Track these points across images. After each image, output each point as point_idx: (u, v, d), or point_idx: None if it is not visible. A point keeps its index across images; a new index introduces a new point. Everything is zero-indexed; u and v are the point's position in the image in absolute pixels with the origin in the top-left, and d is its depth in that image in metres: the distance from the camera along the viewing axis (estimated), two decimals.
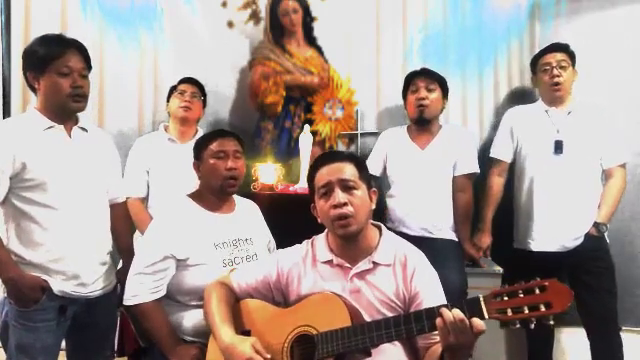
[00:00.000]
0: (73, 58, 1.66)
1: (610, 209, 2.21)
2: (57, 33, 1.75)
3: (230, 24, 2.84)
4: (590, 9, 2.62)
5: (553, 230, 2.22)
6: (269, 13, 2.82)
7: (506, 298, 1.10)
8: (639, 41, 2.54)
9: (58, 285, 1.63)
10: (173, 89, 2.51)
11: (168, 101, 2.52)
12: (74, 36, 1.78)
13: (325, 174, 1.42)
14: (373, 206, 1.46)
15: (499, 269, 2.35)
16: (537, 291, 1.07)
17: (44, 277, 1.61)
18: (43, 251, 1.62)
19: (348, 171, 1.41)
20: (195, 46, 2.80)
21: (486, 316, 1.11)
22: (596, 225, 2.19)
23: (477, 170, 2.40)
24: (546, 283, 1.07)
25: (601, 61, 2.52)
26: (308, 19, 2.82)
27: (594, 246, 2.18)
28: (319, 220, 1.46)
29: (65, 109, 1.68)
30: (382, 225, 1.50)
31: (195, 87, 2.50)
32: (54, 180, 1.62)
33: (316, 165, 1.47)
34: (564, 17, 2.63)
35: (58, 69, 1.63)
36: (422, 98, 2.31)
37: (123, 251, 1.92)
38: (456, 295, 1.97)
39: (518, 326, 1.08)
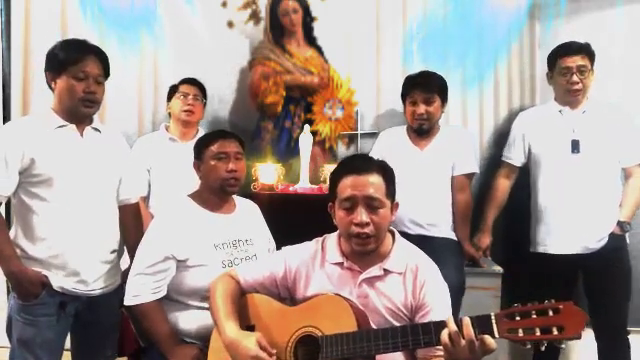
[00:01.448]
0: (91, 64, 1.70)
1: (633, 207, 2.17)
2: (81, 38, 1.80)
3: (230, 24, 2.83)
4: (590, 9, 2.61)
5: (576, 231, 2.16)
6: (269, 13, 2.81)
7: (518, 318, 1.07)
8: (639, 41, 2.54)
9: (58, 281, 1.65)
10: (174, 88, 2.50)
11: (169, 100, 2.52)
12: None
13: (350, 186, 1.35)
14: (393, 219, 1.41)
15: (499, 269, 2.35)
16: (550, 313, 1.05)
17: (44, 272, 1.64)
18: (44, 246, 1.65)
19: (375, 187, 1.34)
20: (195, 46, 2.80)
21: (497, 335, 1.09)
22: (620, 224, 2.15)
23: (476, 170, 2.40)
24: (560, 306, 1.04)
25: (601, 61, 2.52)
26: (308, 19, 2.82)
27: (616, 246, 2.14)
28: (335, 222, 1.42)
29: (76, 112, 1.71)
30: (395, 231, 1.48)
31: (197, 89, 2.49)
32: (61, 176, 1.65)
33: (343, 169, 1.40)
34: (564, 17, 2.62)
35: (74, 73, 1.68)
36: (420, 114, 2.27)
37: (132, 251, 1.90)
38: (453, 293, 1.97)
39: (529, 347, 1.06)
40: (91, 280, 1.71)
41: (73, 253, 1.68)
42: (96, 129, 1.79)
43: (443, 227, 2.33)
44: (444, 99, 2.34)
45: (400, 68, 2.70)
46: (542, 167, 2.27)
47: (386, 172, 1.41)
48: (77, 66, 1.68)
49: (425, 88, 2.28)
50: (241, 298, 1.51)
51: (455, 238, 2.35)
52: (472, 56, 2.72)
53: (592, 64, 2.22)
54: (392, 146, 2.42)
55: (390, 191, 1.39)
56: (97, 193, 1.75)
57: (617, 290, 2.14)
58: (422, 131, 2.33)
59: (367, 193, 1.33)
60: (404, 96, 2.38)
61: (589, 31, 2.55)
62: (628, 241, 2.20)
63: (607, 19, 2.57)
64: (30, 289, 1.62)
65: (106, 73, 1.78)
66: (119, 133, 1.98)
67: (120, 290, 1.80)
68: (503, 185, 2.43)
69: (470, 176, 2.40)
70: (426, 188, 2.30)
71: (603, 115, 2.21)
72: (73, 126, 1.72)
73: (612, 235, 2.14)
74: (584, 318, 1.03)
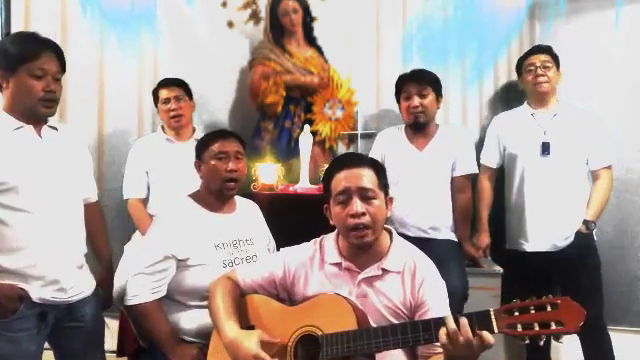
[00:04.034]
0: (49, 60, 1.55)
1: (598, 207, 2.27)
2: (31, 31, 1.62)
3: (230, 24, 2.84)
4: (589, 9, 2.62)
5: (544, 230, 2.26)
6: (269, 13, 2.81)
7: (517, 313, 1.08)
8: (638, 41, 2.54)
9: (37, 292, 1.53)
10: (156, 93, 2.48)
11: (156, 105, 2.50)
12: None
13: (343, 179, 1.37)
14: (389, 214, 1.42)
15: (499, 269, 2.35)
16: (549, 308, 1.06)
17: (22, 285, 1.50)
18: (20, 257, 1.51)
19: (368, 179, 1.36)
20: (195, 46, 2.80)
21: (496, 330, 1.10)
22: (585, 223, 2.24)
23: (476, 170, 2.40)
24: (558, 301, 1.05)
25: (600, 61, 2.53)
26: (308, 19, 2.82)
27: (583, 244, 2.24)
28: (331, 222, 1.43)
29: (34, 113, 1.56)
30: (393, 230, 1.48)
31: (177, 89, 2.45)
32: (27, 183, 1.52)
33: (334, 167, 1.42)
34: (563, 17, 2.64)
35: (31, 70, 1.52)
36: (415, 107, 2.28)
37: (98, 252, 1.83)
38: (457, 298, 1.97)
39: (527, 342, 1.07)
40: (69, 287, 1.59)
41: (50, 261, 1.54)
42: (53, 127, 1.64)
43: (443, 228, 2.32)
44: (438, 93, 2.34)
45: (400, 68, 2.70)
46: (514, 168, 2.36)
47: (377, 166, 1.44)
48: (34, 63, 1.51)
49: (417, 81, 2.30)
50: (241, 299, 1.51)
51: (455, 239, 2.34)
52: (472, 56, 2.73)
53: (557, 65, 2.33)
54: (390, 147, 2.40)
55: (382, 183, 1.41)
56: (64, 195, 1.61)
57: (589, 286, 2.20)
58: (418, 125, 2.31)
59: (360, 184, 1.36)
60: (398, 94, 2.37)
61: (589, 31, 2.57)
62: (596, 238, 2.29)
63: (607, 19, 2.58)
64: (7, 305, 1.47)
65: (63, 69, 1.61)
66: (76, 130, 1.88)
67: (98, 292, 1.73)
68: (486, 186, 2.48)
69: (470, 176, 2.39)
70: (427, 190, 2.30)
71: (573, 119, 2.30)
72: (30, 127, 1.56)
73: (579, 234, 2.24)
74: (582, 312, 1.04)
